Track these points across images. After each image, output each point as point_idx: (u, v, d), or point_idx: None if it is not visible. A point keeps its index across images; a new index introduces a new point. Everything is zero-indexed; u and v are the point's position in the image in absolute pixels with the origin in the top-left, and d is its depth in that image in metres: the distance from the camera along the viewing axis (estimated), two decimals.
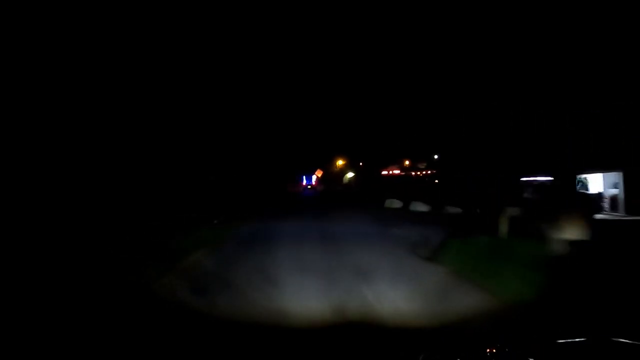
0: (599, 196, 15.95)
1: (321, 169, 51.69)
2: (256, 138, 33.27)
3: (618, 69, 14.10)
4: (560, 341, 2.22)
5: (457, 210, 16.93)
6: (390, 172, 37.22)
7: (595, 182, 16.83)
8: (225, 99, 25.75)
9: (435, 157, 43.34)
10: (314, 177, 55.43)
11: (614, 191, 15.65)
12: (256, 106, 31.69)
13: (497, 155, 18.52)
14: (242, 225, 13.78)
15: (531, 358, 2.05)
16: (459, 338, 4.04)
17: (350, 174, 50.86)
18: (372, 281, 6.31)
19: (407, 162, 58.40)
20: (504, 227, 9.89)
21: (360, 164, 53.08)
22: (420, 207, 19.40)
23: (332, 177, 52.66)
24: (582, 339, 2.19)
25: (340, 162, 55.55)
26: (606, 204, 15.79)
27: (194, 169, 22.28)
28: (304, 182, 55.21)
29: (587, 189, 16.84)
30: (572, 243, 7.76)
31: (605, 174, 16.07)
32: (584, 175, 16.98)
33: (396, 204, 21.28)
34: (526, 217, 9.88)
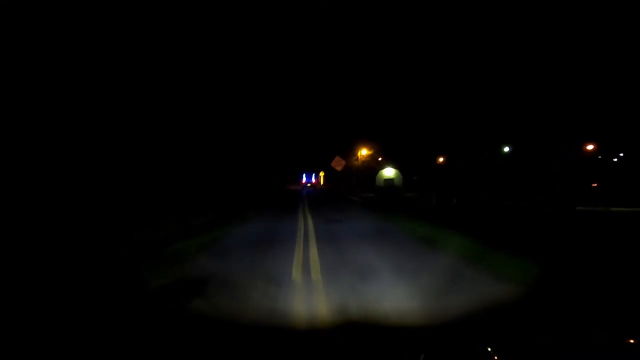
0: None
1: (342, 158, 38.70)
2: (257, 135, 32.88)
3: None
4: (561, 340, 2.18)
5: None
6: None
7: None
8: (228, 95, 25.52)
9: (506, 149, 35.67)
10: (321, 175, 58.12)
11: None
12: (261, 103, 31.45)
13: None
14: None
15: (533, 357, 1.99)
16: (460, 336, 3.80)
17: (389, 170, 32.13)
18: None
19: (441, 159, 47.65)
20: None
21: (380, 159, 42.47)
22: None
23: (354, 172, 40.63)
24: (583, 338, 2.18)
25: (364, 152, 43.30)
26: None
27: (187, 167, 21.19)
28: (304, 180, 58.85)
29: None
30: None
31: None
32: None
33: None
34: None
